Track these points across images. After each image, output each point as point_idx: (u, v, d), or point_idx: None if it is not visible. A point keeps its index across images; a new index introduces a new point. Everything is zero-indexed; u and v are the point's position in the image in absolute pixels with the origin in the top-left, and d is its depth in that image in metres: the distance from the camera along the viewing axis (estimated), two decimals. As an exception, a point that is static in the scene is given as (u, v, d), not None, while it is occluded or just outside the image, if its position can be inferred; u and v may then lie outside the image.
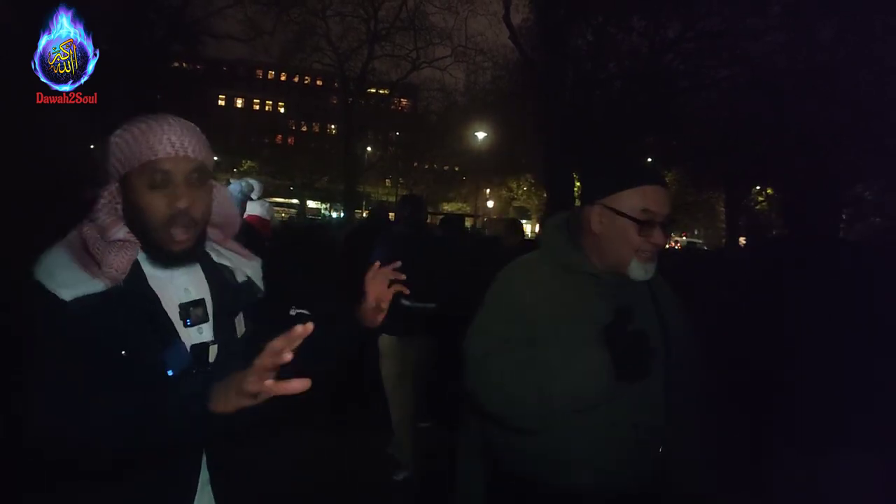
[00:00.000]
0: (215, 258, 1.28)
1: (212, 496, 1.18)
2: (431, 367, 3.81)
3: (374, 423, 4.41)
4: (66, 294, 1.06)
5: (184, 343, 1.14)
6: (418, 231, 3.73)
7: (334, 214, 35.30)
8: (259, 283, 1.35)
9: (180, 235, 1.14)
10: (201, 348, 1.16)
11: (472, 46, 23.33)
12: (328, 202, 37.62)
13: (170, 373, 1.10)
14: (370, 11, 23.67)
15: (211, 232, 1.29)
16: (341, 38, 24.11)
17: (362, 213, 26.63)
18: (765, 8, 13.11)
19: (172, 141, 1.12)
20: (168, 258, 1.16)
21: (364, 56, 24.67)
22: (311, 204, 38.76)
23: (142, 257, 1.17)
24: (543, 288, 1.51)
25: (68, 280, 1.07)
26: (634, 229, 1.45)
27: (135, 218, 1.14)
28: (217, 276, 1.26)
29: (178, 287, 1.18)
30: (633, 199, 1.46)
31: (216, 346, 1.17)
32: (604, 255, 1.51)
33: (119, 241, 1.13)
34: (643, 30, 15.46)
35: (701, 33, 14.60)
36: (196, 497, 1.16)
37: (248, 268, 1.33)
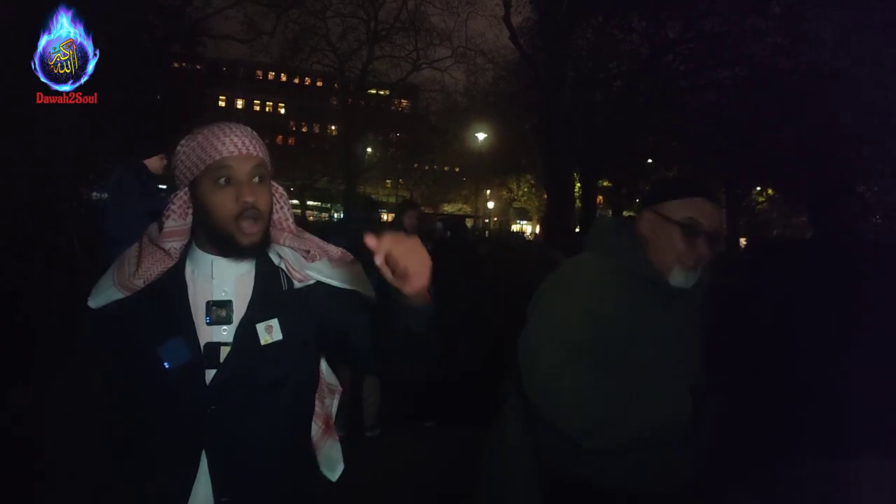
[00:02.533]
0: (275, 261, 1.29)
1: (209, 478, 1.17)
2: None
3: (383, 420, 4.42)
4: (92, 302, 1.20)
5: (191, 339, 1.18)
6: (370, 226, 4.34)
7: (335, 215, 35.30)
8: (330, 279, 1.30)
9: (250, 228, 1.18)
10: (212, 347, 1.18)
11: (472, 47, 23.35)
12: (328, 202, 37.61)
13: (166, 365, 1.14)
14: (370, 12, 23.68)
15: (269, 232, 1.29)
16: (341, 38, 24.13)
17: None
18: (765, 8, 13.11)
19: (234, 141, 1.19)
20: (237, 252, 1.21)
21: (364, 57, 24.69)
22: (311, 204, 38.74)
23: (193, 256, 1.24)
24: (613, 294, 1.51)
25: (99, 289, 1.21)
26: (678, 234, 1.52)
27: (204, 218, 1.20)
28: (265, 281, 1.26)
29: (217, 287, 1.23)
30: (680, 208, 1.55)
31: (229, 347, 1.19)
32: (654, 260, 1.57)
33: (163, 249, 1.21)
34: (643, 30, 15.46)
35: (701, 33, 14.60)
36: (192, 490, 1.17)
37: (311, 269, 1.29)
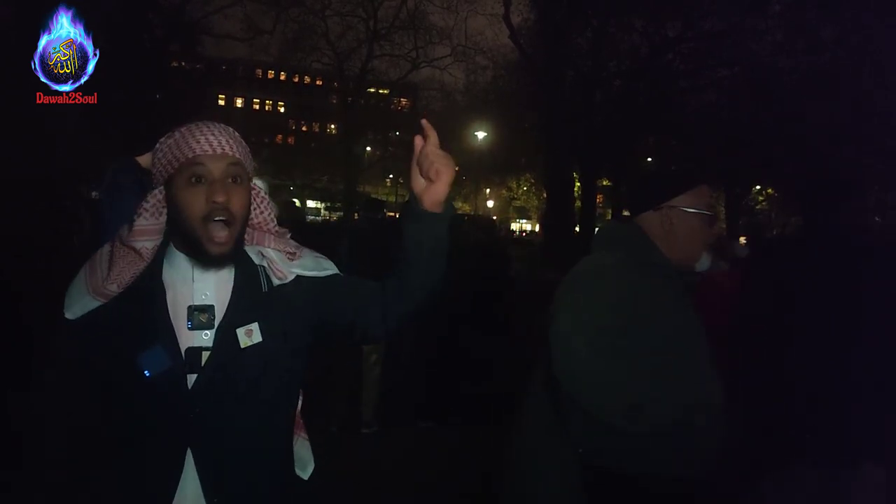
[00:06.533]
0: (256, 261, 1.29)
1: (198, 481, 1.17)
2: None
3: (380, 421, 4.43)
4: (70, 314, 1.16)
5: (171, 345, 1.16)
6: (372, 225, 4.71)
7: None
8: (315, 272, 1.32)
9: (218, 234, 1.16)
10: (193, 353, 1.17)
11: (471, 46, 23.35)
12: (328, 202, 37.61)
13: (146, 373, 1.13)
14: (370, 11, 23.68)
15: (249, 233, 1.29)
16: (340, 37, 24.15)
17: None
18: (765, 7, 13.10)
19: (210, 140, 1.18)
20: (206, 260, 1.19)
21: (363, 55, 24.68)
22: (310, 203, 38.75)
23: (171, 258, 1.22)
24: (634, 284, 1.55)
25: (73, 298, 1.17)
26: (701, 223, 1.60)
27: (176, 217, 1.18)
28: (244, 284, 1.25)
29: (197, 290, 1.21)
30: (699, 198, 1.61)
31: (209, 352, 1.18)
32: (673, 254, 1.62)
33: (134, 249, 1.17)
34: (643, 29, 15.46)
35: (701, 33, 14.60)
36: (178, 492, 1.16)
37: (296, 267, 1.30)
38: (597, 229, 1.84)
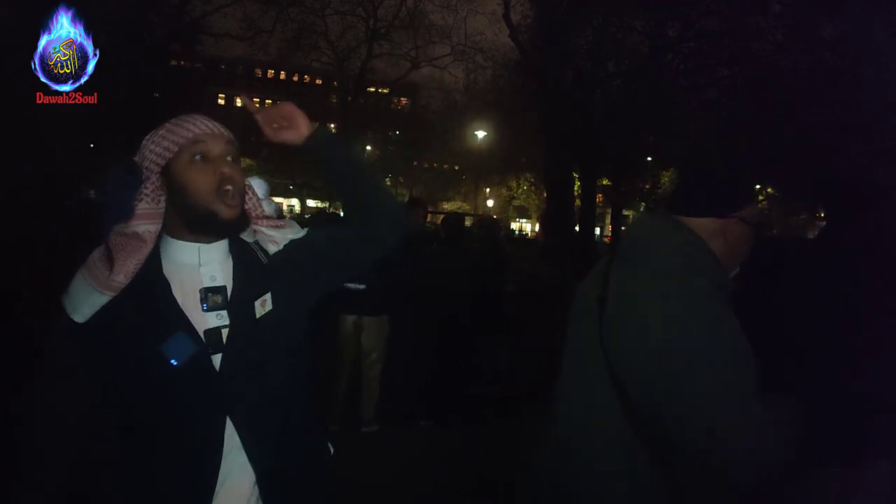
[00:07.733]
0: (247, 239, 1.34)
1: (243, 451, 1.21)
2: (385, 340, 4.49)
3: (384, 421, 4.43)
4: (79, 317, 1.16)
5: (190, 331, 1.19)
6: None
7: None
8: (300, 234, 1.40)
9: (231, 200, 1.21)
10: (213, 333, 1.20)
11: (471, 45, 23.31)
12: (328, 201, 37.59)
13: (173, 363, 1.15)
14: (369, 10, 23.68)
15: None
16: (340, 36, 24.15)
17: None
18: (765, 7, 13.10)
19: (205, 122, 1.24)
20: (220, 227, 1.22)
21: (363, 55, 24.69)
22: (310, 203, 38.75)
23: (170, 250, 1.23)
24: (724, 310, 1.33)
25: (79, 300, 1.17)
26: (752, 234, 1.47)
27: (181, 199, 1.20)
28: (245, 259, 1.30)
29: (204, 274, 1.24)
30: (756, 207, 1.50)
31: (227, 329, 1.22)
32: (728, 266, 1.47)
33: (136, 235, 1.18)
34: (643, 28, 15.45)
35: (701, 32, 14.59)
36: (225, 456, 1.20)
37: (289, 234, 1.38)
38: (633, 225, 1.57)
